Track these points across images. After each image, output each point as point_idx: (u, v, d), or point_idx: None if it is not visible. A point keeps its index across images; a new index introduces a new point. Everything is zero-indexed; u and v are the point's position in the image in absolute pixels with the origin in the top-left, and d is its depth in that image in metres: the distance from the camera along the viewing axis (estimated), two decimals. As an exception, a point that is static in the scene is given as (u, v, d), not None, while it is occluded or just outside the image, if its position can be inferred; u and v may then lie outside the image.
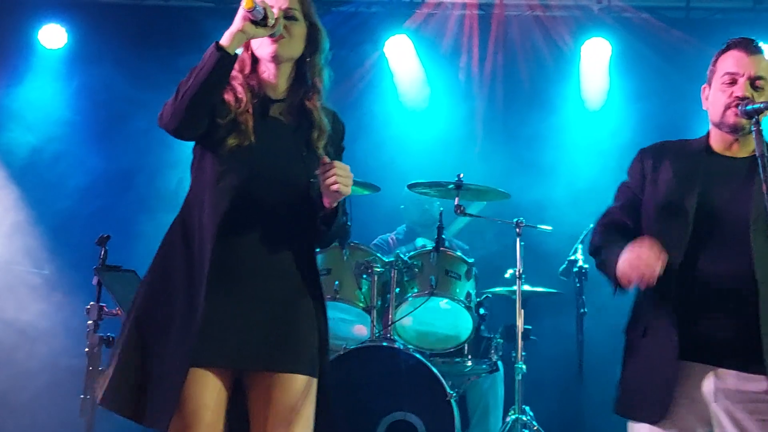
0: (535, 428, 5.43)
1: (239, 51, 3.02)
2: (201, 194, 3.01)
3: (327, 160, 3.00)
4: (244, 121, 3.01)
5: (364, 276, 5.47)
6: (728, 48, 3.34)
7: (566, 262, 5.97)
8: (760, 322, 2.99)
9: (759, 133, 3.10)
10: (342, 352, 5.23)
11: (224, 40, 2.93)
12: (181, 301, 2.92)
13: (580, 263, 5.78)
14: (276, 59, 3.08)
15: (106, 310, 4.27)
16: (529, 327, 5.70)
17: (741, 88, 3.21)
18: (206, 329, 2.87)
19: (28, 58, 7.60)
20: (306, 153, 3.09)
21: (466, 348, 5.72)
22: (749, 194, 3.10)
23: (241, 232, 2.97)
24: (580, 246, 5.89)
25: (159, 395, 2.87)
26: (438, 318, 5.65)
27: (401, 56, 7.68)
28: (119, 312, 4.19)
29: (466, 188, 5.55)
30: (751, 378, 3.04)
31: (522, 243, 5.60)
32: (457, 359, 5.74)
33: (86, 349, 4.18)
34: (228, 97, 3.02)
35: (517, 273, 5.54)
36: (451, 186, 5.55)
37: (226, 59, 2.91)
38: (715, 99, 3.30)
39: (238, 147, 2.99)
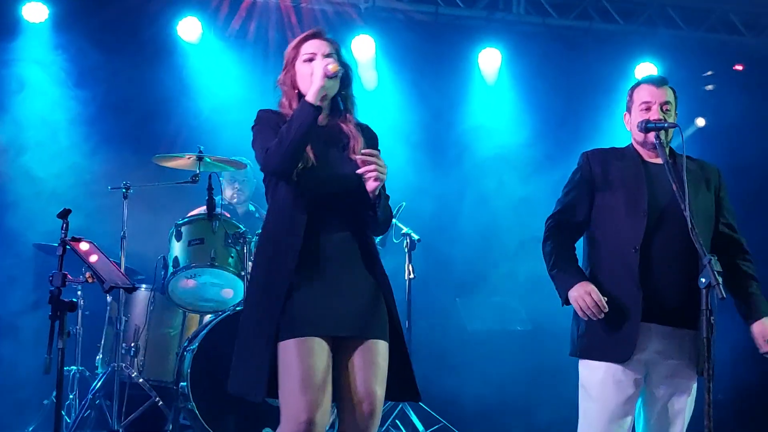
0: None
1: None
2: (281, 212, 3.68)
3: (370, 151, 3.66)
4: (306, 150, 3.65)
5: (236, 246, 6.07)
6: (641, 83, 4.17)
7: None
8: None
9: (660, 145, 4.01)
10: (219, 317, 5.84)
11: (312, 98, 3.59)
12: (271, 290, 3.60)
13: (412, 236, 6.70)
14: (325, 97, 3.71)
15: (70, 277, 4.53)
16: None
17: (655, 113, 4.04)
18: (304, 308, 3.55)
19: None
20: (351, 160, 3.73)
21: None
22: (682, 192, 3.88)
23: (320, 232, 3.65)
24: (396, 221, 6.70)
25: (252, 368, 3.55)
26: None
27: (194, 36, 8.19)
28: (89, 278, 4.52)
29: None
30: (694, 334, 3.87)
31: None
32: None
33: (49, 314, 4.41)
34: None
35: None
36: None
37: (317, 111, 3.60)
38: (636, 123, 4.09)
39: (303, 169, 3.63)
